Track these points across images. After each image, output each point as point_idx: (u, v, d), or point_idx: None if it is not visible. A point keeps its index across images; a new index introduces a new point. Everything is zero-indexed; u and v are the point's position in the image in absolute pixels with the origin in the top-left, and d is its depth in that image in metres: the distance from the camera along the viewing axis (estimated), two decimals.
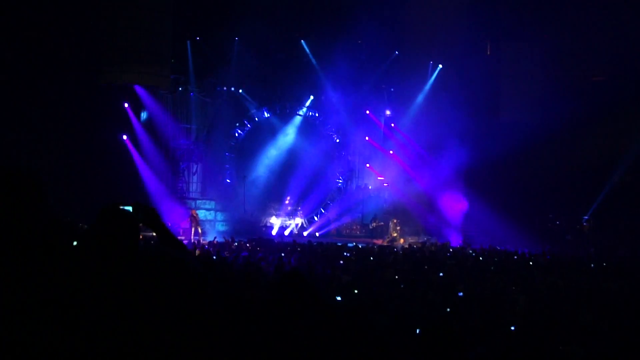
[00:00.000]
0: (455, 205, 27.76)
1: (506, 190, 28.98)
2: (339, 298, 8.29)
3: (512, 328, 7.07)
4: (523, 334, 7.18)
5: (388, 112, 30.92)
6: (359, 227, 30.68)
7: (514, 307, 9.36)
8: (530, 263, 17.33)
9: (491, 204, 26.98)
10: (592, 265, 17.56)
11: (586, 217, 27.67)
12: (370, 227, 29.98)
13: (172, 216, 25.67)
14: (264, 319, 3.78)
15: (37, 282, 2.72)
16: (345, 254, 18.08)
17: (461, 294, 10.37)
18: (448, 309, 8.77)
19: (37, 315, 2.60)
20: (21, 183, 2.86)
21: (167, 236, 3.41)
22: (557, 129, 27.28)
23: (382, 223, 29.36)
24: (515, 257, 19.51)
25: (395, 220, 27.76)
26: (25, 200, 2.83)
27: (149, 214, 3.42)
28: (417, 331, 4.81)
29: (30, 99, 24.06)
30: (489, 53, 30.54)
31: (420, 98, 29.71)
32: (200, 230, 24.83)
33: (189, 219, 25.31)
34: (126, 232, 3.17)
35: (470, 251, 21.67)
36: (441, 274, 13.78)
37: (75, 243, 4.63)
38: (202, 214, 26.86)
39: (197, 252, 16.72)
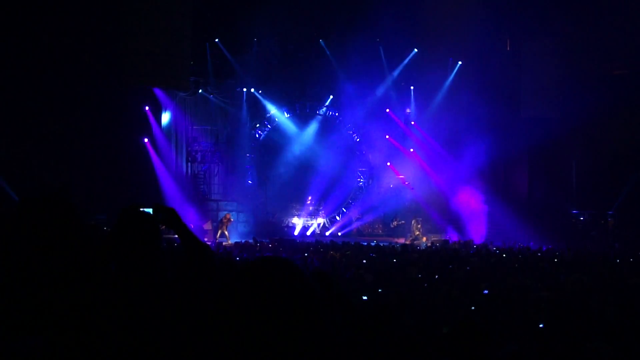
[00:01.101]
0: (477, 202, 27.63)
1: (529, 186, 28.80)
2: (365, 298, 8.27)
3: (541, 325, 7.01)
4: (549, 331, 7.12)
5: (408, 110, 30.85)
6: (380, 226, 30.65)
7: (538, 304, 9.30)
8: (555, 260, 17.21)
9: (514, 200, 26.84)
10: (618, 260, 17.41)
11: (611, 212, 27.38)
12: (392, 226, 29.95)
13: (194, 219, 25.80)
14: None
15: (62, 284, 2.74)
16: (370, 253, 18.06)
17: (486, 291, 10.32)
18: (473, 307, 8.73)
19: (62, 318, 2.63)
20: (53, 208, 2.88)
21: (190, 238, 3.40)
22: (579, 124, 27.06)
23: (404, 222, 29.33)
24: (539, 253, 19.39)
25: (417, 219, 27.70)
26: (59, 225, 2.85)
27: (169, 216, 3.42)
28: (445, 330, 4.79)
29: (51, 102, 24.29)
30: (508, 49, 30.35)
31: (440, 95, 29.61)
32: (227, 234, 24.97)
33: (220, 220, 25.48)
34: (147, 234, 3.18)
35: (494, 248, 21.56)
36: (467, 269, 13.74)
37: None
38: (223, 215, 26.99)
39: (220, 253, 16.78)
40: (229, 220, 25.52)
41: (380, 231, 30.34)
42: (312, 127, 30.63)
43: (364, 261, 15.67)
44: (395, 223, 29.85)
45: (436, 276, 12.49)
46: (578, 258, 17.83)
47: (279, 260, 1.61)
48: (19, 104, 23.27)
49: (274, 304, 1.50)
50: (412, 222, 27.73)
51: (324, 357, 1.55)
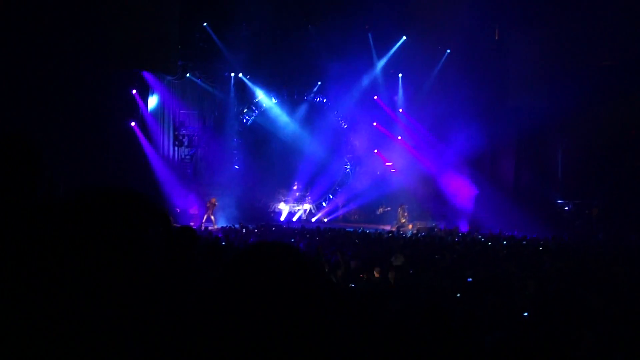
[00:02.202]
0: (463, 191, 27.73)
1: (515, 175, 28.91)
2: (352, 285, 8.30)
3: (525, 314, 7.06)
4: (534, 319, 7.18)
5: (396, 98, 30.83)
6: (366, 213, 30.69)
7: (523, 292, 9.36)
8: (540, 248, 17.31)
9: (499, 189, 26.94)
10: (601, 250, 17.53)
11: (595, 203, 27.55)
12: (378, 213, 29.99)
13: (181, 202, 25.76)
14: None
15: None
16: (355, 240, 18.10)
17: (470, 279, 10.37)
18: (458, 295, 8.77)
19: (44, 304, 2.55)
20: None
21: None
22: (566, 114, 27.13)
23: (390, 209, 29.36)
24: (524, 242, 19.49)
25: (403, 206, 27.75)
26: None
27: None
28: (424, 316, 4.81)
29: (37, 86, 24.08)
30: (497, 38, 30.36)
31: (428, 83, 29.63)
32: (212, 218, 24.92)
33: (206, 205, 25.44)
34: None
35: (479, 236, 21.65)
36: (453, 256, 13.80)
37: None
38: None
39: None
40: (214, 204, 25.49)
41: (366, 218, 30.37)
42: (300, 113, 30.60)
43: (349, 247, 15.70)
44: (381, 210, 29.89)
45: (421, 263, 12.53)
46: (562, 247, 17.95)
47: (282, 245, 1.59)
48: (1, 87, 23.05)
49: (277, 290, 1.49)
50: (399, 210, 27.77)
51: (323, 346, 1.54)
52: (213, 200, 25.56)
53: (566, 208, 28.61)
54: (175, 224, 23.31)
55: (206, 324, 1.60)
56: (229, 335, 1.51)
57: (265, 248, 1.59)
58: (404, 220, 27.34)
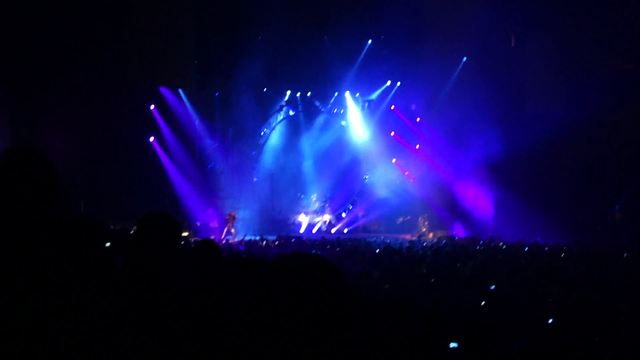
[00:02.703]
0: (482, 198, 27.61)
1: (535, 181, 28.72)
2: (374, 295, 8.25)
3: (550, 321, 7.00)
4: (558, 326, 7.12)
5: (413, 107, 30.74)
6: (387, 222, 30.61)
7: (547, 299, 9.29)
8: (562, 255, 17.18)
9: (520, 196, 26.76)
10: (625, 255, 17.36)
11: (617, 207, 27.25)
12: (398, 223, 29.92)
13: (201, 216, 25.85)
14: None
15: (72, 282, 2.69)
16: (376, 250, 18.07)
17: (493, 287, 10.30)
18: (482, 303, 8.72)
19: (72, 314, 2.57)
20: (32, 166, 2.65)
21: None
22: (585, 119, 26.88)
23: (409, 218, 29.31)
24: (546, 248, 19.35)
25: (424, 215, 27.69)
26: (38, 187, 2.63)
27: None
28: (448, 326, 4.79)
29: (55, 103, 24.32)
30: (513, 44, 30.22)
31: (445, 91, 29.53)
32: (233, 231, 24.99)
33: (226, 218, 25.53)
34: (168, 232, 3.15)
35: (501, 244, 21.52)
36: (475, 264, 13.73)
37: (108, 244, 4.64)
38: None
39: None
40: (233, 217, 25.56)
41: (386, 228, 30.29)
42: (317, 124, 30.62)
43: (371, 258, 15.68)
44: (401, 219, 29.84)
45: (443, 272, 12.48)
46: (585, 253, 17.80)
47: (313, 256, 1.59)
48: (22, 105, 23.31)
49: (309, 302, 1.49)
50: (419, 219, 27.74)
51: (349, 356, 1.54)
52: (232, 213, 25.64)
53: (587, 214, 28.31)
54: (196, 238, 23.48)
55: (239, 332, 1.61)
56: (261, 342, 1.51)
57: (298, 259, 1.59)
58: (424, 229, 27.28)
